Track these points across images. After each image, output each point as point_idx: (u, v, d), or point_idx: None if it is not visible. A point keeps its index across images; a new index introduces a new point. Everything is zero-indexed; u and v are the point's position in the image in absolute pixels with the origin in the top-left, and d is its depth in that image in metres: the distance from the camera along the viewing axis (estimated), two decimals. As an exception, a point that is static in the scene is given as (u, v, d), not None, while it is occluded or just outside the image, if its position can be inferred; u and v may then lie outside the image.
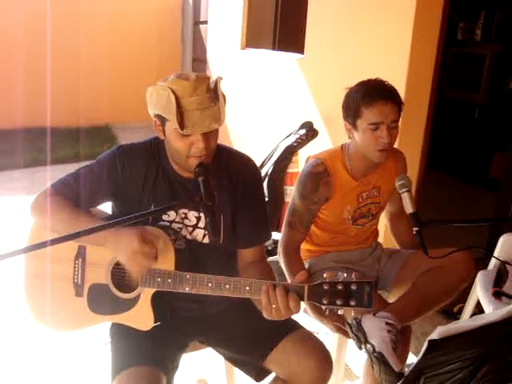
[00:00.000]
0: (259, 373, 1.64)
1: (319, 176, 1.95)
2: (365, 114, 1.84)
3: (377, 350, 1.68)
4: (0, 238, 3.60)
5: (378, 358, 1.68)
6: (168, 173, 1.59)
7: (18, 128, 6.39)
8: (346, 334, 1.86)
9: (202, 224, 1.61)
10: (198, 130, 1.43)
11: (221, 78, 1.51)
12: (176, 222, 1.61)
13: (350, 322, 1.79)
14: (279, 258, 2.01)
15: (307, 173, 1.98)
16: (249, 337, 1.63)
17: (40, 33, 6.46)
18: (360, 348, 1.77)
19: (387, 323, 1.75)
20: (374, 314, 1.78)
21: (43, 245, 1.23)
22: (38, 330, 1.72)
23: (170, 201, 1.54)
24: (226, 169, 1.64)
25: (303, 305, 1.42)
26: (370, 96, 1.83)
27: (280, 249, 2.01)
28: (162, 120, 1.49)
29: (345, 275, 1.32)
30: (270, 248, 3.07)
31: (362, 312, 1.72)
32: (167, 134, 1.51)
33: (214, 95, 1.45)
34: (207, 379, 2.36)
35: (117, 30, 7.37)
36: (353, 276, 1.31)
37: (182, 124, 1.41)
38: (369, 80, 1.91)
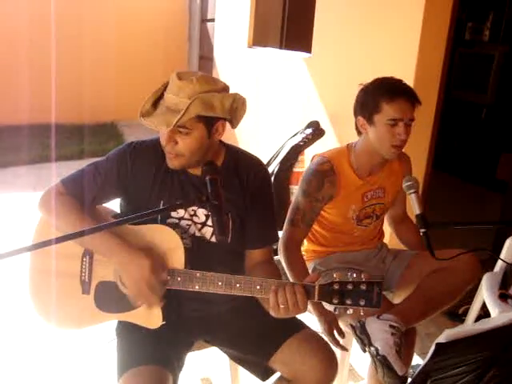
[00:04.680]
0: (265, 372, 1.64)
1: (324, 174, 1.95)
2: (385, 109, 1.84)
3: (380, 353, 1.68)
4: (6, 234, 3.61)
5: (381, 362, 1.67)
6: (177, 170, 1.59)
7: (24, 124, 6.40)
8: (335, 341, 1.83)
9: (211, 222, 1.61)
10: (147, 123, 1.48)
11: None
12: (185, 219, 1.61)
13: (354, 324, 1.78)
14: (279, 254, 2.00)
15: (312, 170, 1.98)
16: (254, 336, 1.63)
17: (45, 29, 6.47)
18: (364, 351, 1.76)
19: (391, 326, 1.74)
20: (378, 317, 1.77)
21: (49, 243, 1.23)
22: (43, 327, 1.72)
23: (179, 198, 1.54)
24: (236, 169, 1.65)
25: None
26: (392, 92, 1.84)
27: (281, 246, 2.00)
28: None
29: (354, 275, 1.32)
30: (275, 247, 3.06)
31: (370, 312, 1.71)
32: None
33: (189, 103, 1.41)
34: (211, 378, 2.36)
35: (123, 26, 7.38)
36: (362, 276, 1.32)
37: (147, 111, 1.48)
38: (386, 77, 1.92)
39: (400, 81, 1.91)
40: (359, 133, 1.98)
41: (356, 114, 1.96)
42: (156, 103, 1.51)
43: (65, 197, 1.57)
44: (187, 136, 1.47)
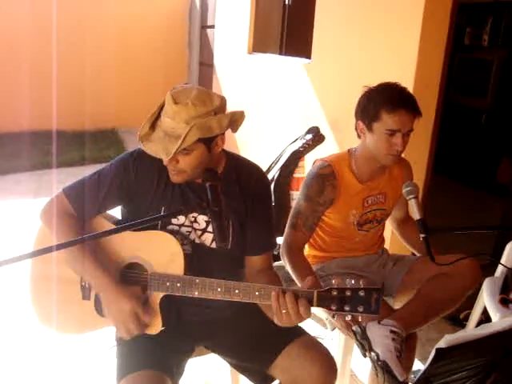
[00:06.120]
0: (264, 380, 1.63)
1: (325, 178, 1.95)
2: (384, 119, 1.83)
3: (381, 358, 1.67)
4: (7, 241, 3.62)
5: (382, 367, 1.67)
6: None
7: (25, 131, 6.42)
8: (349, 328, 1.83)
9: (211, 228, 1.61)
10: (146, 149, 1.49)
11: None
12: (185, 226, 1.61)
13: (354, 329, 1.78)
14: (283, 258, 1.99)
15: (314, 174, 1.98)
16: (254, 343, 1.63)
17: (46, 36, 6.49)
18: (364, 356, 1.76)
19: (392, 331, 1.74)
20: (379, 322, 1.77)
21: (49, 250, 1.23)
22: (43, 333, 1.73)
23: (180, 206, 1.55)
24: (236, 176, 1.65)
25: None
26: (393, 102, 1.82)
27: (283, 250, 1.99)
28: None
29: (353, 282, 1.32)
30: (276, 253, 3.06)
31: (370, 317, 1.72)
32: None
33: (191, 131, 1.41)
34: (212, 384, 2.36)
35: (124, 33, 7.40)
36: (361, 283, 1.32)
37: (145, 134, 1.50)
38: (390, 84, 1.90)
39: (403, 90, 1.89)
40: (359, 136, 1.98)
41: (356, 117, 1.95)
42: (154, 124, 1.51)
43: (66, 216, 1.58)
44: (187, 156, 1.48)
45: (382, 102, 1.83)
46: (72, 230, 1.56)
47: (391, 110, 1.81)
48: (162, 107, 1.51)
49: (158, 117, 1.52)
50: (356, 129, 1.97)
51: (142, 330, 1.49)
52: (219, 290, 1.43)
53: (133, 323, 1.46)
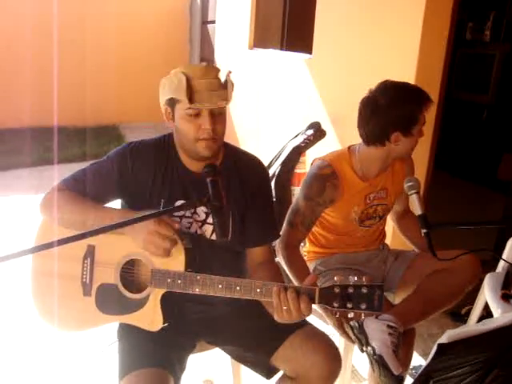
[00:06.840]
0: (268, 370, 1.64)
1: (326, 178, 1.93)
2: (421, 118, 1.86)
3: (377, 352, 1.68)
4: (8, 237, 3.62)
5: (377, 361, 1.67)
6: (178, 169, 1.60)
7: (26, 127, 6.42)
8: (345, 333, 1.84)
9: (210, 220, 1.61)
10: (206, 106, 1.48)
11: (230, 72, 1.56)
12: (186, 217, 1.61)
13: (352, 324, 1.78)
14: (279, 255, 1.99)
15: (313, 175, 1.96)
16: (256, 334, 1.63)
17: (47, 32, 6.49)
18: (362, 350, 1.76)
19: (389, 326, 1.74)
20: (377, 317, 1.77)
21: (51, 245, 1.23)
22: (45, 329, 1.73)
23: (179, 197, 1.55)
24: (236, 169, 1.65)
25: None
26: (426, 99, 1.85)
27: (279, 247, 1.98)
28: (172, 103, 1.53)
29: (355, 278, 1.31)
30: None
31: (370, 314, 1.72)
32: (177, 117, 1.54)
33: (222, 82, 1.50)
34: (213, 380, 2.36)
35: (124, 29, 7.39)
36: (363, 279, 1.31)
37: (191, 99, 1.46)
38: (401, 83, 1.89)
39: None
40: (371, 143, 1.91)
41: (389, 129, 1.86)
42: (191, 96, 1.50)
43: (66, 191, 1.58)
44: (222, 116, 1.53)
45: (418, 103, 1.84)
46: (76, 198, 1.55)
47: (427, 106, 1.85)
48: (177, 85, 1.49)
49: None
50: (387, 140, 1.88)
51: (168, 243, 1.43)
52: (220, 286, 1.42)
53: (163, 228, 1.41)
